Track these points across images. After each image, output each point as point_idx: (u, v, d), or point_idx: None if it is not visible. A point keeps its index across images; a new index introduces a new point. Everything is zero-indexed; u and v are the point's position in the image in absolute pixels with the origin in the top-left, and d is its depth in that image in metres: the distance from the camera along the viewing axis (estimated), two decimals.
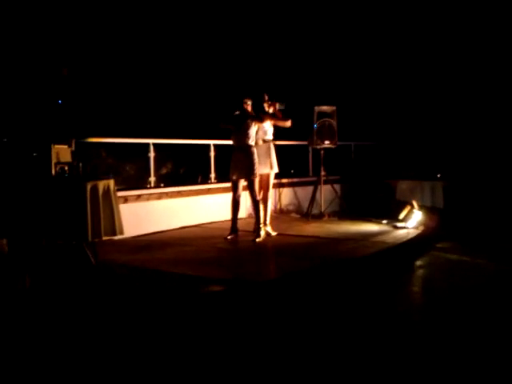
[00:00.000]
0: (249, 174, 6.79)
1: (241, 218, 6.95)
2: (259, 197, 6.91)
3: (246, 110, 6.89)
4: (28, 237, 5.06)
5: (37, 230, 5.09)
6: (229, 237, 6.86)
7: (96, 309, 4.19)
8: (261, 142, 7.20)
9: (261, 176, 7.11)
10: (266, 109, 7.22)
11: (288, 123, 7.13)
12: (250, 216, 7.92)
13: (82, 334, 3.78)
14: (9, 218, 5.16)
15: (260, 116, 6.99)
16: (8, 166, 5.56)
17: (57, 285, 4.65)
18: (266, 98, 7.27)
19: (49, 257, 5.02)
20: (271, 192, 7.37)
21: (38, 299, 4.31)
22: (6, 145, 5.72)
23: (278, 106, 7.22)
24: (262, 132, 7.21)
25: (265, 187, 7.26)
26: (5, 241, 4.96)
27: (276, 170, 7.23)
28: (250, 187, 6.82)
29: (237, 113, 6.91)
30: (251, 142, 6.86)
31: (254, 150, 6.87)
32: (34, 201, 5.22)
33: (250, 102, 6.94)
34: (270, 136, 7.27)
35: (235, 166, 6.84)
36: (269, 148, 7.22)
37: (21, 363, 3.34)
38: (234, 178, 6.88)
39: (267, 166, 7.17)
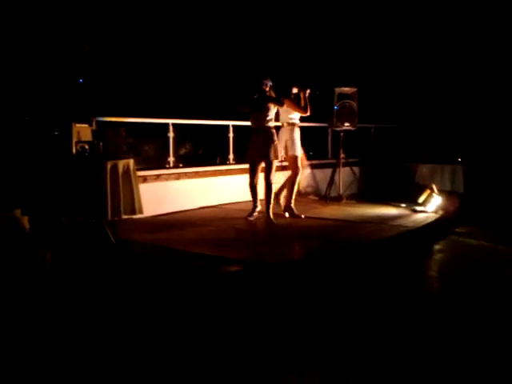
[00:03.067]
0: (266, 156, 6.74)
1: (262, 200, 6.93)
2: (274, 180, 6.83)
3: (265, 92, 6.78)
4: (49, 214, 5.12)
5: (57, 208, 5.15)
6: (250, 218, 6.86)
7: (114, 287, 4.24)
8: (285, 125, 7.19)
9: (288, 158, 7.26)
10: (295, 92, 7.21)
11: (307, 113, 7.12)
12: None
13: (100, 311, 3.83)
14: (30, 196, 5.22)
15: (281, 99, 6.87)
16: (30, 145, 5.61)
17: (77, 262, 4.71)
18: (295, 84, 7.29)
19: (69, 234, 5.09)
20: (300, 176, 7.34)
21: (59, 275, 4.37)
22: (27, 123, 5.77)
23: (307, 92, 7.20)
24: (285, 114, 7.19)
25: (291, 169, 7.31)
26: (26, 218, 5.03)
27: (296, 153, 7.23)
28: (266, 169, 6.78)
29: (255, 96, 6.81)
30: (270, 124, 6.79)
31: (273, 132, 6.80)
32: (55, 179, 5.27)
33: (268, 83, 6.79)
34: (295, 119, 7.25)
35: (253, 148, 6.80)
36: (292, 131, 7.21)
37: (41, 339, 3.41)
38: (252, 160, 6.85)
39: (290, 149, 7.19)
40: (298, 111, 7.15)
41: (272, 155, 6.73)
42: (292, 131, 7.24)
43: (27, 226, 4.93)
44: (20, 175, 5.21)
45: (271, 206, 6.77)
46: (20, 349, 3.25)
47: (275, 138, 6.79)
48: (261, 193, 6.94)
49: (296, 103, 7.11)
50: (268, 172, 6.76)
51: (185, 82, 11.09)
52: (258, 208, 6.95)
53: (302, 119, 7.41)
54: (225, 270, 4.77)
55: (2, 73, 6.50)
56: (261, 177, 6.87)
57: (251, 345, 3.53)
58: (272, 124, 6.82)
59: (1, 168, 5.22)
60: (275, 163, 6.81)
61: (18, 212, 4.91)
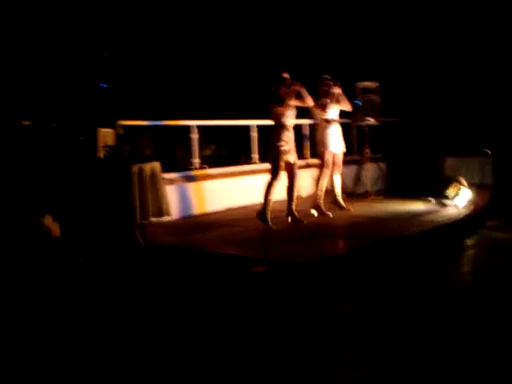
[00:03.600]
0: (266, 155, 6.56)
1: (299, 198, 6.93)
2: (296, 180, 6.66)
3: (275, 89, 6.46)
4: (79, 220, 5.16)
5: (86, 213, 5.19)
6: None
7: (145, 289, 4.25)
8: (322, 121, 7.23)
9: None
10: (325, 89, 7.19)
11: (311, 104, 6.73)
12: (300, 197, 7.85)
13: (133, 313, 3.85)
14: (59, 202, 5.27)
15: (280, 99, 6.39)
16: (57, 151, 5.67)
17: (108, 266, 4.74)
18: (326, 78, 7.23)
19: (99, 239, 5.12)
20: (325, 174, 7.27)
21: (91, 280, 4.40)
22: (55, 129, 5.83)
23: (336, 88, 7.16)
24: (316, 113, 7.24)
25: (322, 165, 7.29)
26: (57, 224, 5.07)
27: (320, 150, 7.23)
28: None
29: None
30: (277, 122, 6.44)
31: (274, 131, 6.44)
32: (83, 184, 5.31)
33: (286, 76, 6.47)
34: (329, 115, 7.23)
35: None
36: (319, 127, 7.27)
37: (74, 339, 3.43)
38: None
39: (317, 146, 7.23)
40: (302, 105, 6.71)
41: (269, 156, 6.57)
42: (319, 127, 7.26)
43: (58, 231, 4.97)
44: (49, 182, 5.26)
45: (294, 205, 6.67)
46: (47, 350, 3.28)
47: (273, 137, 6.45)
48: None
49: (299, 98, 6.58)
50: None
51: (207, 83, 11.10)
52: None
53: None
54: (254, 270, 4.75)
55: (27, 82, 6.59)
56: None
57: (279, 342, 3.50)
58: (276, 122, 6.47)
59: (31, 175, 5.28)
60: (275, 165, 6.42)
61: (49, 218, 4.96)
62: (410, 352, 3.34)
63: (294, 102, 6.49)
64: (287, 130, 6.44)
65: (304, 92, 6.49)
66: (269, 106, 6.46)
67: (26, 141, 5.73)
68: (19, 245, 4.70)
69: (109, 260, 4.83)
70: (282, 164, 6.45)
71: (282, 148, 6.38)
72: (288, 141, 6.42)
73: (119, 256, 4.99)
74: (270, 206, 6.42)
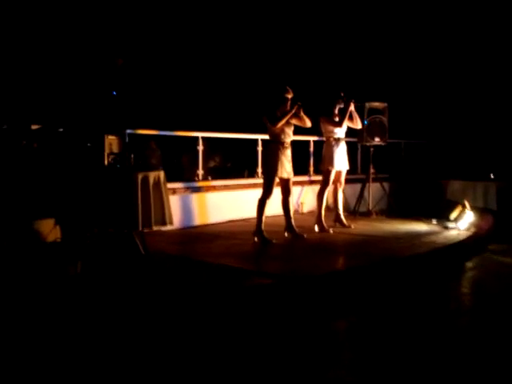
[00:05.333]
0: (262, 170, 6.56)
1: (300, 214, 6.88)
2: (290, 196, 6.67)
3: (273, 108, 6.49)
4: (81, 224, 5.18)
5: (89, 218, 5.21)
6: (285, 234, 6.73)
7: (142, 296, 4.25)
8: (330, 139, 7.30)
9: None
10: (339, 106, 7.27)
11: (308, 124, 6.67)
12: (298, 213, 7.89)
13: (128, 319, 3.85)
14: (63, 206, 5.29)
15: (275, 119, 6.40)
16: (63, 156, 5.71)
17: (106, 271, 4.75)
18: (342, 94, 7.29)
19: (100, 244, 5.13)
20: (326, 190, 7.32)
21: (88, 284, 4.41)
22: (61, 135, 5.87)
23: (352, 105, 7.24)
24: (327, 130, 7.29)
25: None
26: (58, 227, 5.10)
27: (323, 167, 7.32)
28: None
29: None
30: (273, 138, 6.49)
31: (272, 147, 6.46)
32: (87, 190, 5.34)
33: (289, 96, 6.48)
34: (326, 133, 7.30)
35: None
36: (325, 144, 7.35)
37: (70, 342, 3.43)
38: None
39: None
40: (300, 125, 6.70)
41: (264, 172, 6.65)
42: (326, 144, 7.33)
43: (60, 235, 4.99)
44: (54, 185, 5.29)
45: (292, 220, 6.68)
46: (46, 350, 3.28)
47: (269, 154, 6.48)
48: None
49: (296, 117, 6.57)
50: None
51: (215, 96, 11.18)
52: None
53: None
54: (252, 283, 4.75)
55: (36, 85, 6.66)
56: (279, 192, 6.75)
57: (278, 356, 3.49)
58: (273, 139, 6.50)
59: (36, 178, 5.31)
60: (268, 181, 6.44)
61: (51, 221, 4.98)
62: (405, 373, 3.32)
63: (292, 121, 6.55)
64: (284, 147, 6.47)
65: (302, 115, 6.52)
66: (264, 122, 6.50)
67: (34, 144, 5.77)
68: (18, 247, 4.72)
69: (108, 266, 4.85)
70: (276, 181, 6.48)
71: (277, 166, 6.39)
72: (284, 158, 6.44)
73: (118, 262, 5.00)
74: (263, 222, 6.43)
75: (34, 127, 5.83)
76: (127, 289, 4.39)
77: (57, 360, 3.26)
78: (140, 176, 5.40)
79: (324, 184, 7.30)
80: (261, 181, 7.99)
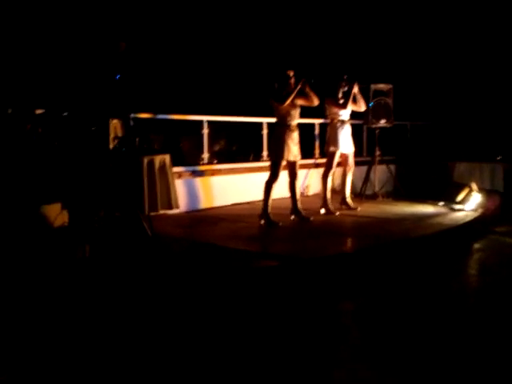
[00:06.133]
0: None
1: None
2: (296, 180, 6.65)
3: (279, 87, 6.43)
4: (88, 208, 5.18)
5: (96, 202, 5.22)
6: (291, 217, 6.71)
7: (150, 279, 4.27)
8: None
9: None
10: (343, 88, 7.22)
11: (315, 103, 6.56)
12: (304, 195, 7.86)
13: (137, 301, 3.86)
14: (70, 191, 5.29)
15: (282, 97, 6.33)
16: (69, 140, 5.70)
17: (114, 254, 4.76)
18: (345, 77, 7.23)
19: (107, 228, 5.14)
20: (331, 173, 7.29)
21: (96, 267, 4.43)
22: (66, 119, 5.85)
23: (356, 87, 7.17)
24: (331, 112, 7.25)
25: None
26: (66, 212, 5.10)
27: (328, 149, 7.28)
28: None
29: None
30: (279, 121, 6.44)
31: (279, 131, 6.42)
32: (93, 174, 5.34)
33: (291, 73, 6.42)
34: (331, 114, 7.26)
35: None
36: (329, 126, 7.30)
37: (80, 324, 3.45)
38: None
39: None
40: (307, 104, 6.60)
41: (271, 155, 6.64)
42: (331, 127, 7.29)
43: (67, 219, 5.00)
44: (60, 170, 5.29)
45: (298, 203, 6.67)
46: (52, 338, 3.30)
47: (276, 137, 6.44)
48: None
49: (303, 96, 6.50)
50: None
51: (220, 79, 11.12)
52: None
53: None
54: (259, 265, 4.76)
55: (40, 70, 6.63)
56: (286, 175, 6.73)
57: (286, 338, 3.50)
58: (279, 121, 6.46)
59: (41, 163, 5.31)
60: (275, 164, 6.42)
61: (58, 206, 4.99)
62: (410, 354, 3.32)
63: (298, 102, 6.48)
64: (290, 129, 6.42)
65: (309, 91, 6.45)
66: (271, 103, 6.45)
67: (38, 129, 5.76)
68: (26, 231, 4.74)
69: (115, 249, 4.86)
70: (283, 164, 6.45)
71: (284, 149, 6.35)
72: (291, 141, 6.40)
73: (126, 245, 5.01)
74: (270, 205, 6.41)
75: (38, 112, 5.81)
76: (135, 271, 4.40)
77: (64, 345, 3.27)
78: (146, 160, 5.39)
79: (328, 166, 7.27)
80: (266, 164, 7.99)
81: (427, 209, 7.75)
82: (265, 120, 8.50)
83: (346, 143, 7.27)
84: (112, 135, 5.79)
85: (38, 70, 6.52)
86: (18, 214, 4.82)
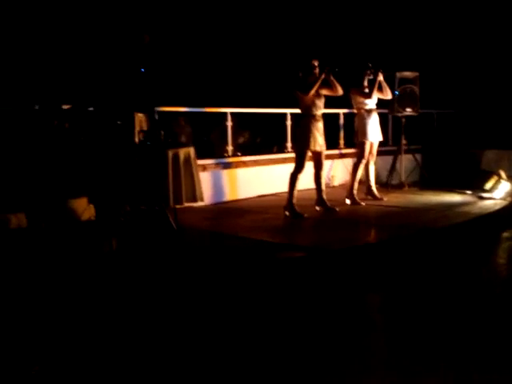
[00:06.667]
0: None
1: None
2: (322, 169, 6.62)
3: (303, 77, 6.41)
4: (114, 202, 5.25)
5: (122, 196, 5.28)
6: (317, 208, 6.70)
7: (175, 271, 4.31)
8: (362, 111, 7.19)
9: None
10: (368, 77, 7.16)
11: (339, 92, 6.52)
12: (329, 186, 7.81)
13: (162, 294, 3.90)
14: (96, 185, 5.36)
15: (307, 87, 6.28)
16: (94, 135, 5.77)
17: (140, 247, 4.82)
18: (370, 65, 7.16)
19: (133, 221, 5.20)
20: (362, 163, 7.22)
21: (123, 260, 4.49)
22: (92, 114, 5.92)
23: (380, 75, 7.09)
24: (357, 101, 7.18)
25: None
26: (92, 206, 5.17)
27: (357, 140, 7.22)
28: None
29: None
30: (304, 111, 6.40)
31: (304, 121, 6.38)
32: (119, 168, 5.39)
33: (315, 63, 6.40)
34: (358, 104, 7.20)
35: None
36: (356, 116, 7.22)
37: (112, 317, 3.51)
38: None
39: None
40: (332, 94, 6.59)
41: (296, 146, 6.59)
42: (358, 116, 7.22)
43: (93, 213, 5.07)
44: (86, 165, 5.36)
45: (324, 194, 6.63)
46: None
47: (301, 128, 6.42)
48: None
49: (327, 86, 6.48)
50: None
51: (244, 71, 11.10)
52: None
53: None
54: (285, 256, 4.76)
55: (66, 65, 6.71)
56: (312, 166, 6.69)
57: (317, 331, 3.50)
58: (304, 112, 6.41)
59: (68, 158, 5.38)
60: (301, 155, 6.37)
61: (85, 200, 5.06)
62: (439, 343, 3.29)
63: (323, 91, 6.44)
64: (316, 119, 6.38)
65: (333, 80, 6.41)
66: (296, 94, 6.41)
67: (65, 124, 5.84)
68: (54, 226, 4.82)
69: (142, 242, 4.91)
70: (308, 155, 6.42)
71: (310, 139, 6.31)
72: (316, 131, 6.36)
73: (152, 238, 5.07)
74: (295, 196, 6.38)
75: (64, 107, 5.89)
76: (162, 264, 4.45)
77: (89, 335, 3.33)
78: (170, 153, 5.42)
79: (360, 157, 7.20)
80: (290, 155, 7.97)
81: (455, 198, 7.64)
82: (288, 111, 8.47)
83: (374, 132, 7.20)
84: (137, 129, 5.84)
85: (64, 66, 6.61)
86: (46, 209, 4.90)
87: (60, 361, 3.02)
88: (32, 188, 4.99)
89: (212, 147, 8.54)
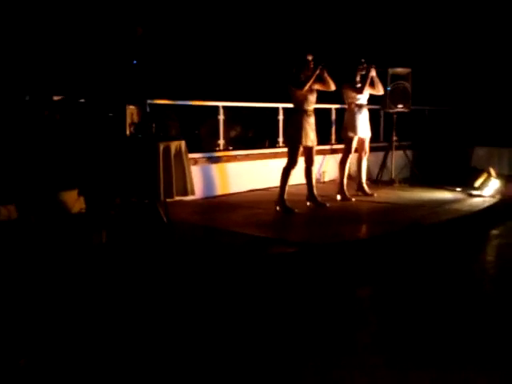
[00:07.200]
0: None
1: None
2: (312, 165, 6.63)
3: (297, 72, 6.40)
4: (104, 195, 5.22)
5: (112, 189, 5.25)
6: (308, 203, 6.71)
7: (167, 265, 4.30)
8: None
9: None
10: (361, 72, 7.15)
11: (331, 88, 6.52)
12: (319, 182, 7.85)
13: (151, 288, 3.90)
14: (86, 177, 5.33)
15: (300, 83, 6.29)
16: (85, 127, 5.73)
17: (130, 240, 4.80)
18: (363, 61, 7.17)
19: (123, 214, 5.18)
20: (349, 158, 7.25)
21: (112, 252, 4.47)
22: (83, 105, 5.88)
23: (373, 71, 7.10)
24: (349, 96, 7.19)
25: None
26: (82, 198, 5.15)
27: (345, 135, 7.22)
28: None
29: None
30: (296, 106, 6.41)
31: (296, 116, 6.39)
32: (110, 160, 5.36)
33: (310, 58, 6.40)
34: (349, 99, 7.20)
35: None
36: (352, 112, 7.20)
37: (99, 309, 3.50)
38: None
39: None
40: (324, 89, 6.59)
41: (288, 141, 6.59)
42: (348, 111, 7.24)
43: (84, 205, 5.05)
44: (77, 157, 5.33)
45: (314, 189, 6.65)
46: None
47: (293, 122, 6.43)
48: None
49: (320, 81, 6.47)
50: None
51: (235, 65, 11.07)
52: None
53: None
54: (276, 251, 4.76)
55: (57, 56, 6.65)
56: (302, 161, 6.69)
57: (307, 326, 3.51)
58: (296, 107, 6.41)
59: (59, 149, 5.35)
60: (293, 150, 6.38)
61: (75, 192, 5.03)
62: (428, 337, 3.31)
63: (315, 86, 6.44)
64: (307, 115, 6.39)
65: (326, 76, 6.41)
66: (289, 89, 6.41)
67: (56, 115, 5.79)
68: (44, 217, 4.79)
69: (131, 234, 4.90)
70: (300, 150, 6.42)
71: (301, 134, 6.31)
72: (308, 126, 6.37)
73: (141, 231, 5.05)
74: (286, 192, 6.38)
75: (55, 98, 5.84)
76: (152, 258, 4.43)
77: (80, 328, 3.32)
78: (162, 146, 5.39)
79: (346, 152, 7.23)
80: (282, 150, 7.96)
81: (445, 195, 7.68)
82: (281, 105, 8.46)
83: (363, 128, 7.22)
84: (128, 121, 5.80)
85: (55, 57, 6.54)
86: (36, 201, 4.87)
87: (49, 354, 3.00)
88: (22, 180, 4.95)
89: (203, 141, 8.51)
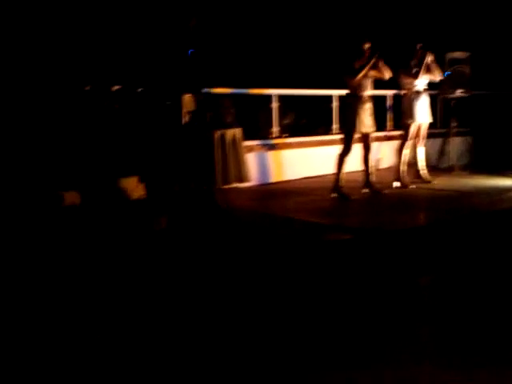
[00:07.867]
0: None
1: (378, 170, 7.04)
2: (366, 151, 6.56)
3: (351, 60, 6.36)
4: (164, 181, 5.34)
5: (172, 175, 5.36)
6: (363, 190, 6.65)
7: (226, 250, 4.35)
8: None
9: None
10: (417, 58, 6.98)
11: (386, 76, 6.47)
12: (376, 169, 7.72)
13: (210, 272, 3.96)
14: (146, 164, 5.47)
15: (354, 71, 6.26)
16: (144, 115, 5.86)
17: (189, 226, 4.89)
18: (419, 46, 7.00)
19: (182, 200, 5.28)
20: (406, 145, 7.10)
21: (173, 238, 4.57)
22: (141, 94, 6.01)
23: (430, 56, 6.92)
24: (405, 82, 7.04)
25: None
26: (143, 185, 5.27)
27: (403, 121, 7.09)
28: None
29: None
30: (351, 93, 6.36)
31: (350, 102, 6.36)
32: (169, 148, 5.47)
33: (366, 46, 6.34)
34: (406, 85, 7.04)
35: None
36: (410, 98, 7.04)
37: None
38: None
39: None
40: (379, 77, 6.52)
41: (343, 127, 6.52)
42: (406, 97, 7.08)
43: (143, 192, 5.18)
44: (136, 145, 5.46)
45: (371, 176, 6.56)
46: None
47: (349, 109, 6.39)
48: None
49: (376, 69, 6.41)
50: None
51: (289, 52, 11.01)
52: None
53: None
54: (333, 238, 4.74)
55: (114, 47, 6.81)
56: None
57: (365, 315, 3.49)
58: (352, 93, 6.36)
59: (119, 138, 5.50)
60: (348, 136, 6.36)
61: (135, 179, 5.17)
62: (491, 331, 3.21)
63: (371, 73, 6.36)
64: (362, 101, 6.31)
65: (382, 64, 6.33)
66: (343, 77, 6.36)
67: (115, 105, 5.96)
68: (106, 203, 4.94)
69: (190, 220, 4.98)
70: (356, 137, 6.35)
71: (356, 121, 6.25)
72: (363, 112, 6.29)
73: (200, 217, 5.13)
74: (342, 179, 6.34)
75: (114, 88, 5.99)
76: (211, 243, 4.50)
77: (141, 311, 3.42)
78: (217, 134, 5.47)
79: (404, 138, 7.09)
80: (336, 137, 7.88)
81: (506, 182, 7.42)
82: (334, 92, 8.37)
83: (422, 113, 7.05)
84: (185, 110, 5.90)
85: (113, 48, 6.71)
86: (98, 187, 5.03)
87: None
88: (85, 167, 5.12)
89: (258, 129, 8.53)
